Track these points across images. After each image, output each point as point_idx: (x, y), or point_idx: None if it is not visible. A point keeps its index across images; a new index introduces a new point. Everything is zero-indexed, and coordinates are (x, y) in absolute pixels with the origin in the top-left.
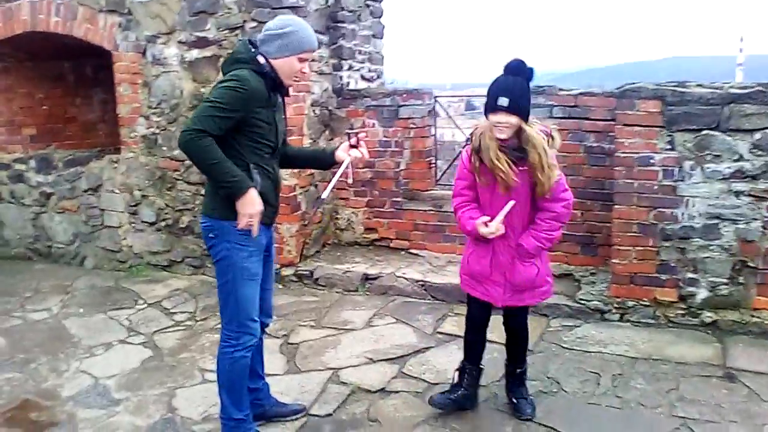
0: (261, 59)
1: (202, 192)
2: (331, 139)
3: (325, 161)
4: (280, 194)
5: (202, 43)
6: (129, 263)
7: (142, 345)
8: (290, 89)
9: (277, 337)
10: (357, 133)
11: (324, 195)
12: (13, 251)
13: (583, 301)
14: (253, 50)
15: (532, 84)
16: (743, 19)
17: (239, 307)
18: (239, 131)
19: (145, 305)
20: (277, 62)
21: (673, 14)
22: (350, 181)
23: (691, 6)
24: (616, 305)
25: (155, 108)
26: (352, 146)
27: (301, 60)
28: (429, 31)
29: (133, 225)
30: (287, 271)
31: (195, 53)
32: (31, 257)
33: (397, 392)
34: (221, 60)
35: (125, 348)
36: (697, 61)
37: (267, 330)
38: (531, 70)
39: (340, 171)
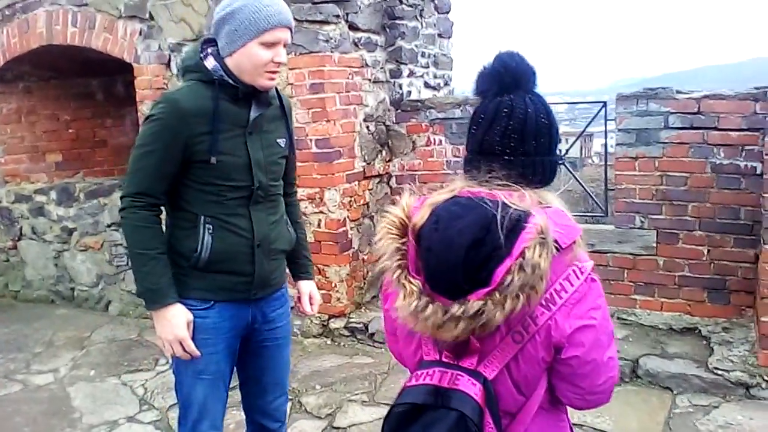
0: (210, 62)
1: None
2: (389, 160)
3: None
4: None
5: None
6: None
7: (153, 425)
8: (278, 93)
9: (320, 417)
10: None
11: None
12: (35, 293)
13: (719, 371)
14: (203, 52)
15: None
16: None
17: (186, 412)
18: (184, 171)
19: (167, 366)
20: (233, 59)
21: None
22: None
23: None
24: (767, 377)
25: None
26: None
27: (267, 45)
28: (508, 30)
29: None
30: (336, 324)
31: None
32: (53, 300)
33: None
34: None
35: (132, 429)
36: None
37: (308, 408)
38: None
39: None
